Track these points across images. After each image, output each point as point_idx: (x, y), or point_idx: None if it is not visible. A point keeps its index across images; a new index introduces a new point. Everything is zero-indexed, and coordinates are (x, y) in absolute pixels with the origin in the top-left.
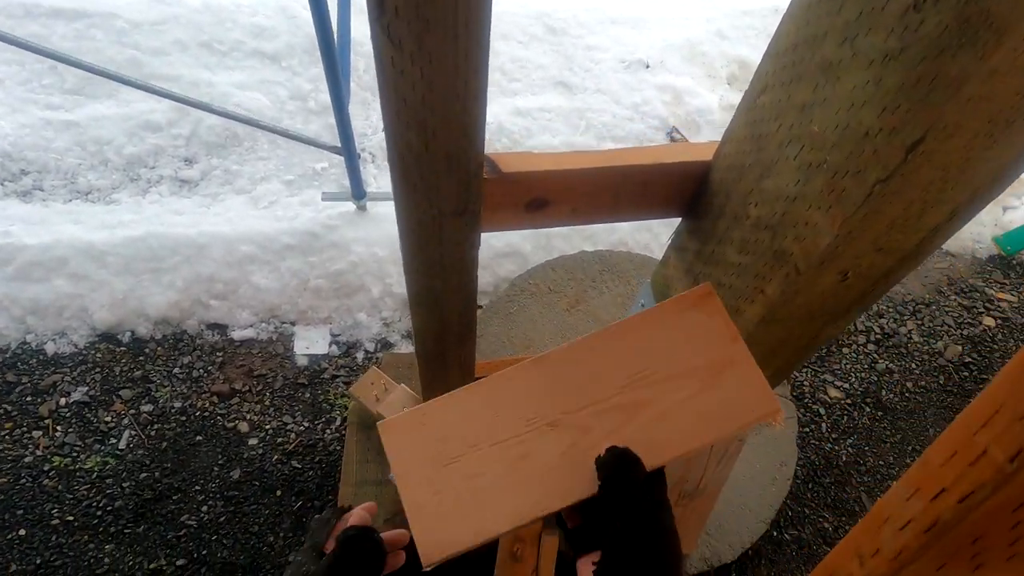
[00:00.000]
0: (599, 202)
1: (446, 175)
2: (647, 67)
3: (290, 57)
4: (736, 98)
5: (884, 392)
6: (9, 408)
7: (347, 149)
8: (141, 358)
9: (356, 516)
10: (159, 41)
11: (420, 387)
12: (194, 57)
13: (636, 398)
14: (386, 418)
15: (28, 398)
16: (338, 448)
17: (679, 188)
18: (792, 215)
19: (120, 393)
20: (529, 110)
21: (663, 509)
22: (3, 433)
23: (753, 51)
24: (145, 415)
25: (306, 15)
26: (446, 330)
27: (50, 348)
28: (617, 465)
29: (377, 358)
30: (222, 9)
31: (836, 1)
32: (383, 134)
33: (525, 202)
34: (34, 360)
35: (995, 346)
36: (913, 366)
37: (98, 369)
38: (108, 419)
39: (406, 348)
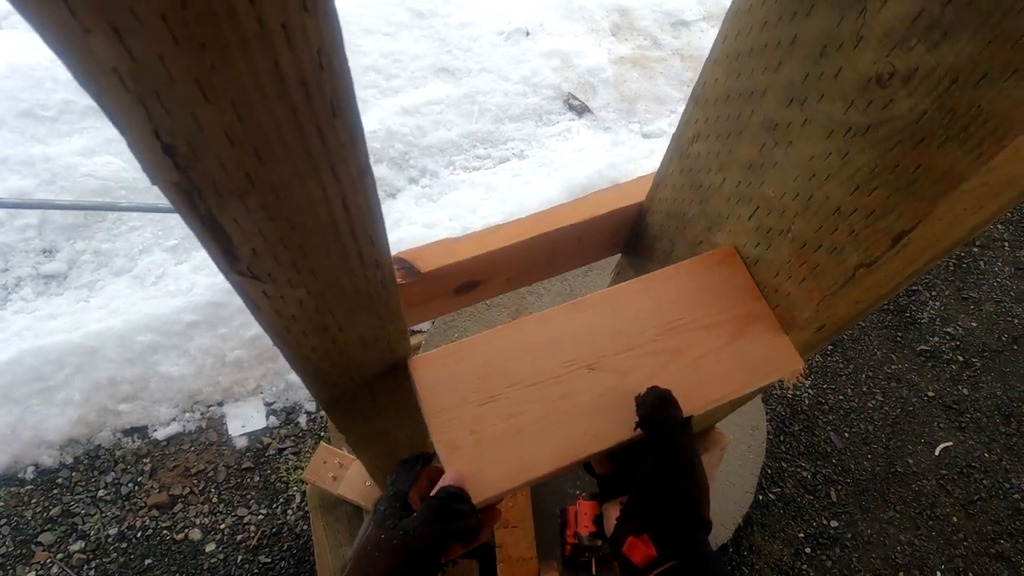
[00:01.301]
0: (533, 268)
1: (363, 353)
2: (527, 34)
3: None
4: (624, 49)
5: None
6: None
7: None
8: (55, 491)
9: (452, 476)
10: None
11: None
12: (17, 131)
13: (671, 345)
14: (343, 490)
15: None
16: (305, 528)
17: (614, 233)
18: (757, 276)
19: (39, 540)
20: (416, 106)
21: (695, 453)
22: None
23: None
24: (77, 555)
25: None
26: (398, 454)
27: None
28: (657, 404)
29: (320, 416)
30: (34, 68)
31: (772, 56)
32: None
33: (453, 289)
34: None
35: None
36: None
37: (4, 520)
38: (31, 575)
39: None
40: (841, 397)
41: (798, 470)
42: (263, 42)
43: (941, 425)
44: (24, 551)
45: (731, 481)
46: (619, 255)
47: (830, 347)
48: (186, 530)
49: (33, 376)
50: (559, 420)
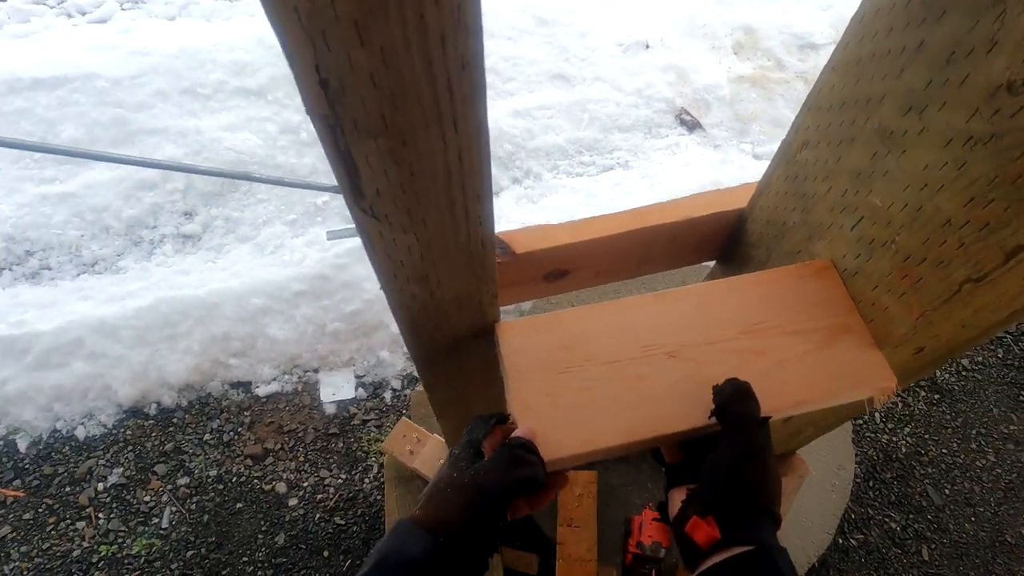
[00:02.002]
0: (624, 263)
1: (456, 312)
2: (647, 47)
3: (275, 90)
4: (745, 68)
5: (938, 372)
6: (51, 502)
7: None
8: (171, 429)
9: (524, 430)
10: (141, 95)
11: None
12: (177, 105)
13: (753, 345)
14: (418, 464)
15: (67, 488)
16: (379, 498)
17: (711, 238)
18: (853, 290)
19: (155, 469)
20: (528, 110)
21: (770, 449)
22: (49, 529)
23: (757, 15)
24: (183, 488)
25: None
26: None
27: (80, 432)
28: (735, 394)
29: (405, 395)
30: (199, 51)
31: (895, 62)
32: None
33: (543, 275)
34: (67, 448)
35: None
36: None
37: (130, 447)
38: (147, 498)
39: None
40: (944, 451)
41: (886, 520)
42: None
43: None
44: (143, 477)
45: (809, 518)
46: (711, 266)
47: (937, 396)
48: (274, 482)
49: (163, 323)
50: (632, 399)
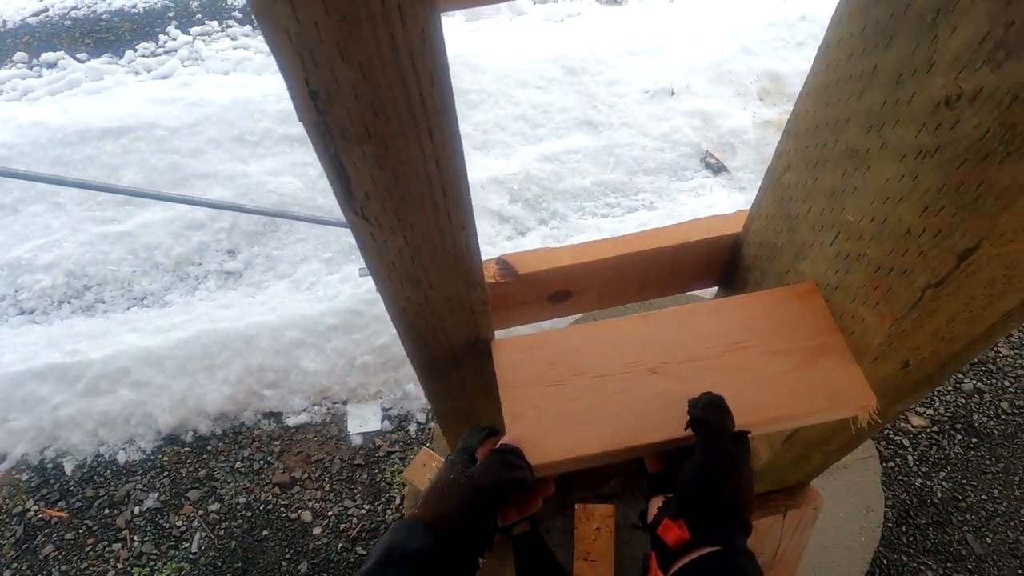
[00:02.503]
0: (625, 286)
1: (450, 316)
2: (672, 94)
3: None
4: (770, 114)
5: (976, 415)
6: (91, 523)
7: None
8: (204, 456)
9: (511, 438)
10: (195, 142)
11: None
12: (228, 152)
13: (734, 362)
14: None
15: (106, 511)
16: None
17: (709, 262)
18: (835, 305)
19: (188, 495)
20: (556, 154)
21: (743, 460)
22: (87, 550)
23: (783, 63)
24: (213, 514)
25: None
26: None
27: (121, 457)
28: (708, 406)
29: (429, 428)
30: (250, 102)
31: (856, 86)
32: None
33: (547, 296)
34: (108, 472)
35: None
36: (1006, 383)
37: (166, 473)
38: (179, 523)
39: None
40: (984, 497)
41: (922, 568)
42: (384, 18)
43: None
44: (177, 502)
45: (836, 560)
46: (715, 293)
47: (975, 440)
48: (299, 511)
49: (204, 354)
50: (614, 411)
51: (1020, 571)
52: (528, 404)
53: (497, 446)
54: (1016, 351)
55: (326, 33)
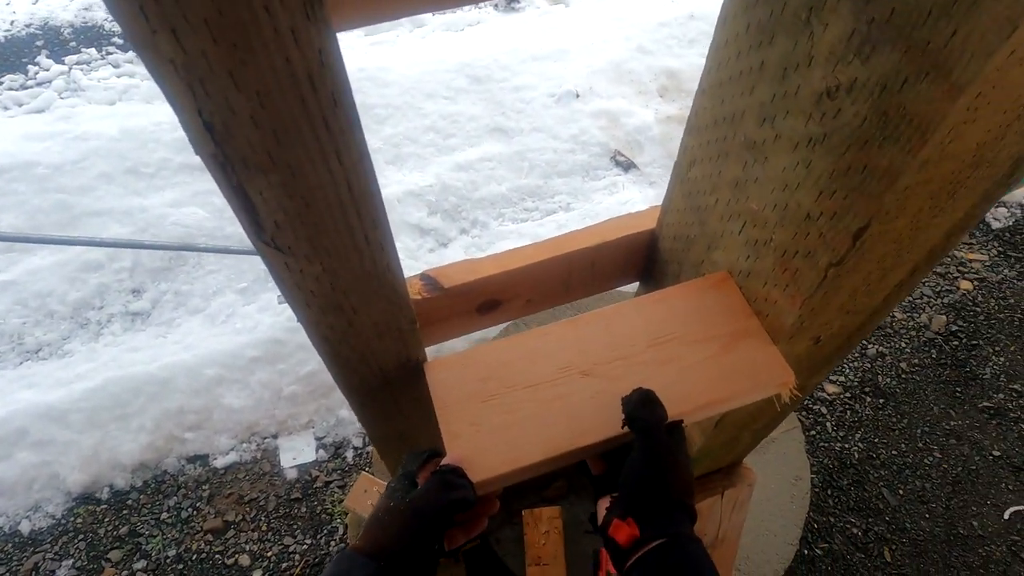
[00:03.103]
0: (551, 289)
1: (378, 340)
2: (577, 96)
3: None
4: (671, 109)
5: (881, 378)
6: None
7: None
8: (125, 512)
9: (452, 457)
10: (83, 179)
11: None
12: (121, 186)
13: (661, 355)
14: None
15: None
16: None
17: (628, 259)
18: (749, 290)
19: (109, 556)
20: (470, 163)
21: (680, 449)
22: None
23: (677, 60)
24: (139, 573)
25: None
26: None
27: (25, 527)
28: (640, 402)
29: (367, 452)
30: (142, 131)
31: (747, 81)
32: None
33: (475, 307)
34: (10, 545)
35: (977, 308)
36: (903, 345)
37: (81, 536)
38: None
39: None
40: (894, 452)
41: (847, 526)
42: (278, 43)
43: (1010, 487)
44: (95, 566)
45: (772, 531)
46: (637, 288)
47: (881, 400)
48: (236, 555)
49: (114, 403)
50: (552, 417)
51: (927, 515)
52: (465, 421)
53: (439, 467)
54: (908, 314)
55: (216, 62)
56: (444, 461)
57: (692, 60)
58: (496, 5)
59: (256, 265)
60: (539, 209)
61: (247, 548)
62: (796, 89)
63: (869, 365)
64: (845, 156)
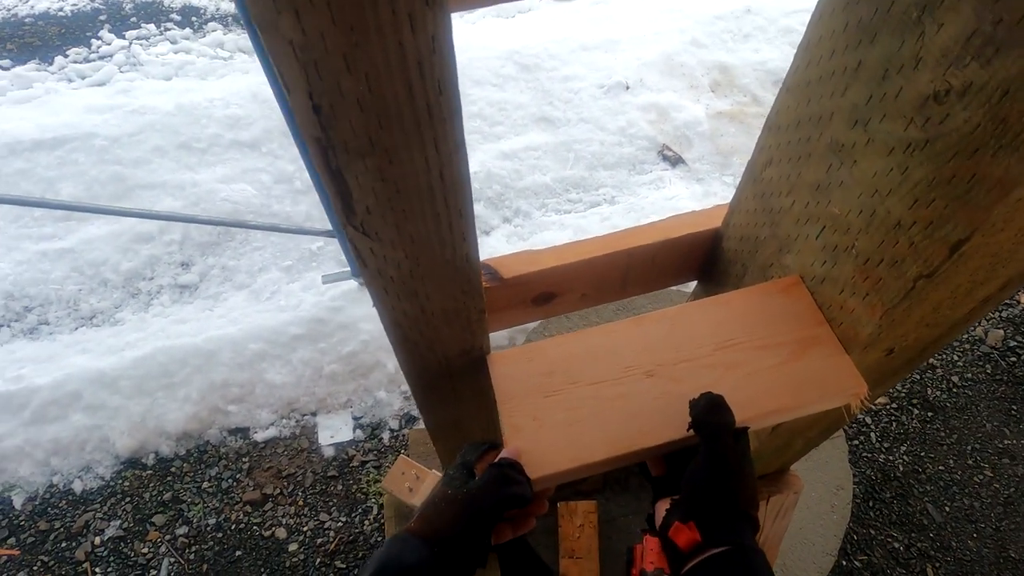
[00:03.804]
0: (608, 284)
1: (446, 327)
2: (627, 88)
3: (268, 142)
4: (722, 105)
5: (930, 391)
6: (46, 559)
7: (338, 229)
8: (169, 478)
9: (511, 451)
10: (139, 151)
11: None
12: (174, 160)
13: (727, 360)
14: (418, 501)
15: (63, 544)
16: (380, 539)
17: (689, 257)
18: (822, 296)
19: (153, 520)
20: (515, 152)
21: (746, 458)
22: None
23: (731, 55)
24: (181, 538)
25: None
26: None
27: (77, 486)
28: (709, 407)
29: (403, 435)
30: (195, 107)
31: (839, 82)
32: None
33: (531, 298)
34: (63, 502)
35: None
36: (955, 358)
37: (128, 499)
38: (145, 550)
39: None
40: (941, 468)
41: (889, 540)
42: (394, 27)
43: None
44: (141, 528)
45: (810, 539)
46: (694, 287)
47: (930, 413)
48: (273, 528)
49: (162, 372)
50: (614, 416)
51: (975, 535)
52: (527, 415)
53: (496, 460)
54: None
55: (332, 44)
56: (502, 454)
57: (746, 56)
58: None
59: (300, 244)
60: (583, 201)
61: (284, 522)
62: (897, 92)
63: (918, 377)
64: (950, 164)
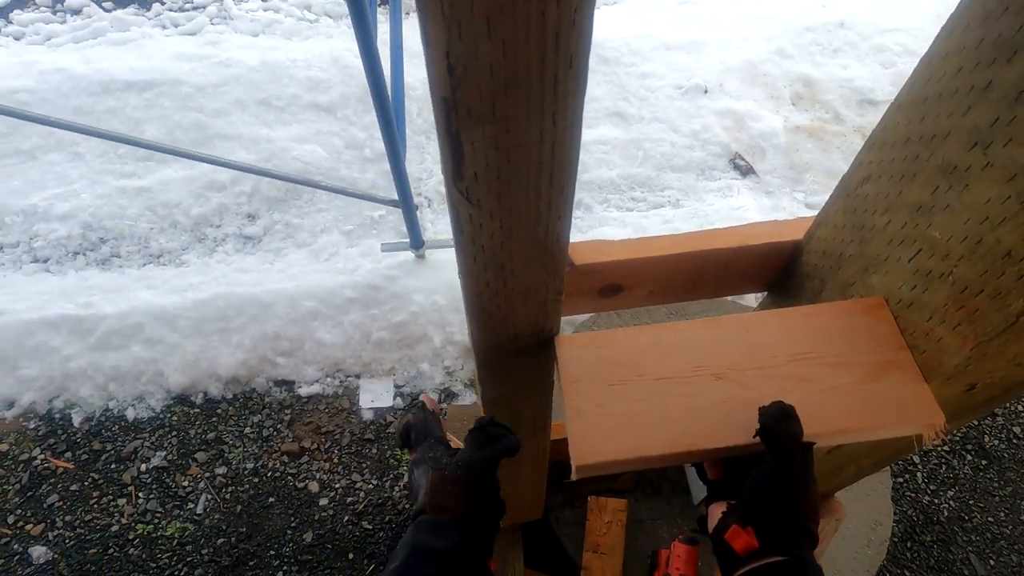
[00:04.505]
0: (676, 284)
1: (522, 305)
2: (705, 92)
3: (344, 107)
4: (802, 119)
5: (987, 438)
6: (96, 477)
7: (404, 201)
8: (214, 419)
9: (428, 400)
10: (221, 102)
11: None
12: (253, 115)
13: (800, 372)
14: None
15: (112, 465)
16: (407, 506)
17: (764, 267)
18: (907, 321)
19: (196, 456)
20: (584, 144)
21: (810, 472)
22: (92, 502)
23: (817, 69)
24: (220, 478)
25: (358, 64)
26: (520, 424)
27: (130, 414)
28: (780, 415)
29: (442, 409)
30: (278, 65)
31: (962, 101)
32: (440, 179)
33: (598, 289)
34: (116, 427)
35: None
36: (1019, 408)
37: (174, 432)
38: (185, 483)
39: (469, 398)
40: (990, 519)
41: None
42: None
43: None
44: (184, 462)
45: (843, 571)
46: (762, 297)
47: (984, 461)
48: (307, 481)
49: (219, 317)
50: (678, 414)
51: None
52: (591, 401)
53: (476, 422)
54: None
55: (479, 6)
56: (423, 403)
57: (832, 71)
58: None
59: (363, 211)
60: (647, 200)
61: (317, 476)
62: None
63: (976, 422)
64: None
